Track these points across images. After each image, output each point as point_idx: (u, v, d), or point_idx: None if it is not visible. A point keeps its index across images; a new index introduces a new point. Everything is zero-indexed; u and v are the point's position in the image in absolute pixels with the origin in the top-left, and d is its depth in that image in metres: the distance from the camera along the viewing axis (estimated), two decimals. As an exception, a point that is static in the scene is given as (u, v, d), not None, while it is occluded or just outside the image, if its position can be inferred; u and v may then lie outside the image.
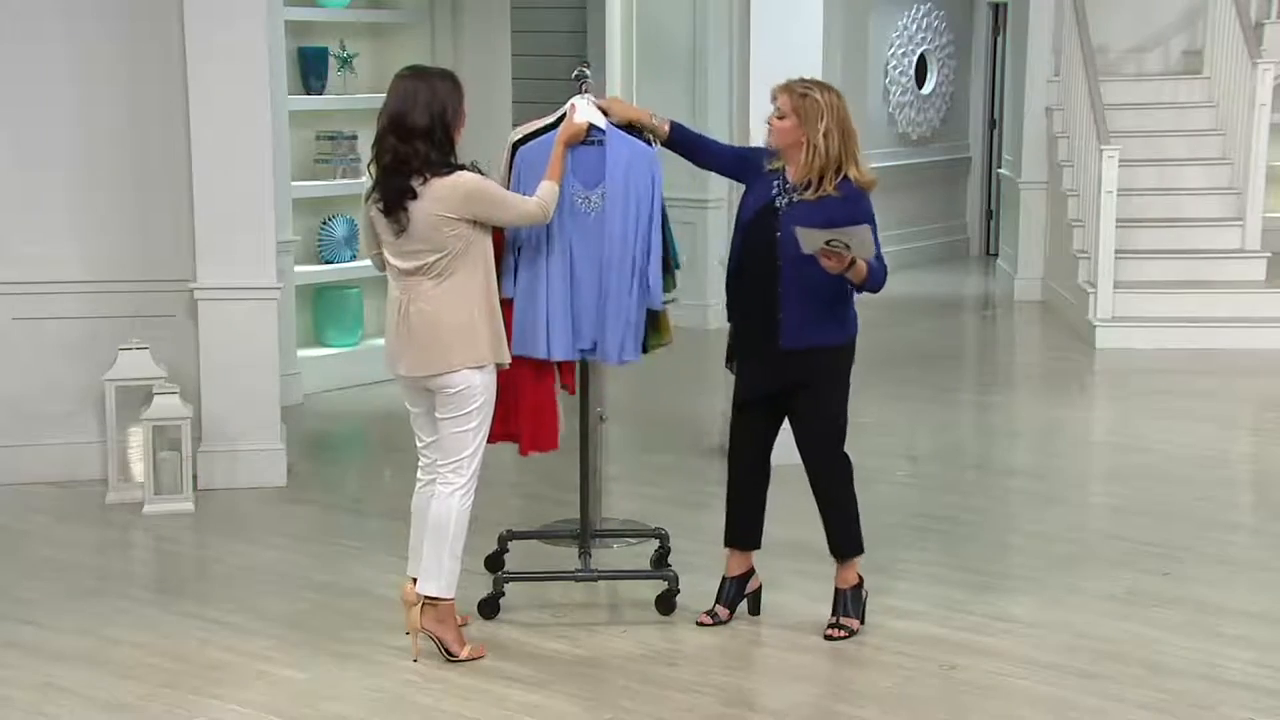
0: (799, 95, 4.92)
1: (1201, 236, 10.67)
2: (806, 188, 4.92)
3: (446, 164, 4.74)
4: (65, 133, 6.75)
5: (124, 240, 6.83)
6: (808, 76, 5.11)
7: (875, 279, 4.89)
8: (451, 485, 4.87)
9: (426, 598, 4.87)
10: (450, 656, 4.90)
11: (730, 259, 5.12)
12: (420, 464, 5.06)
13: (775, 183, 4.98)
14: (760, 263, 4.95)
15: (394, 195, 4.70)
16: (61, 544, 6.12)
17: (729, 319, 5.17)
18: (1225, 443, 7.94)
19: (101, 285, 6.82)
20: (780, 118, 4.93)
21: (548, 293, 5.10)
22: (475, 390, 4.81)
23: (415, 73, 4.86)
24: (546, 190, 4.91)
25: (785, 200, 4.94)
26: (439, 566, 4.86)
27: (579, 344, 5.18)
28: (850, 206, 4.88)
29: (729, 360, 5.22)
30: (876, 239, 4.83)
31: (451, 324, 4.77)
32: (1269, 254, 10.57)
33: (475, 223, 4.76)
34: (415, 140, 4.69)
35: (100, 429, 6.75)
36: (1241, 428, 8.37)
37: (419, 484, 5.07)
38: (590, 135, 5.05)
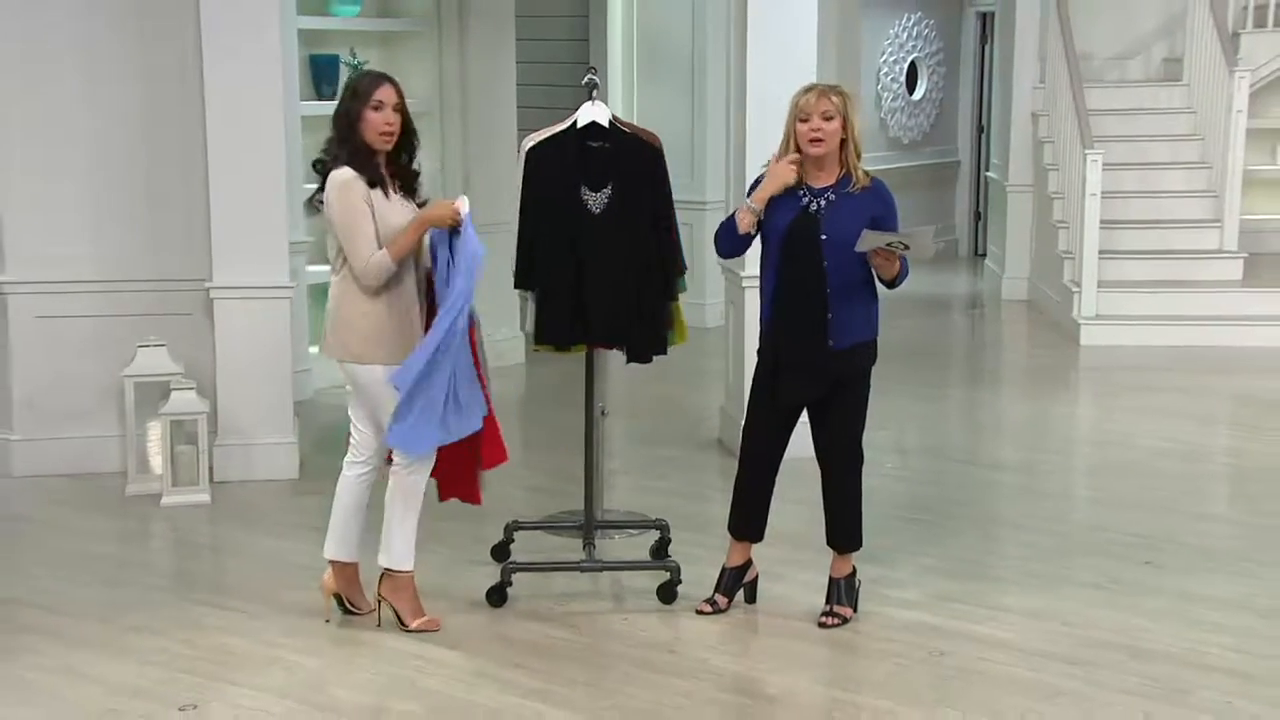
0: (839, 95, 4.91)
1: (1181, 238, 10.68)
2: (842, 185, 4.92)
3: (347, 158, 4.84)
4: (84, 138, 6.75)
5: (142, 241, 6.83)
6: (820, 82, 5.09)
7: (903, 276, 4.95)
8: (398, 465, 4.95)
9: (384, 569, 4.98)
10: (403, 626, 4.98)
11: (768, 276, 5.02)
12: (349, 444, 5.11)
13: (799, 194, 4.95)
14: (805, 268, 4.90)
15: (318, 189, 4.95)
16: (83, 534, 6.12)
17: (768, 332, 5.07)
18: (1205, 437, 7.94)
19: (120, 285, 6.82)
20: (829, 119, 4.88)
21: (459, 374, 4.92)
22: (367, 384, 4.91)
23: (351, 75, 5.08)
24: (380, 256, 4.78)
25: (819, 205, 4.92)
26: (388, 539, 4.98)
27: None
28: (888, 199, 4.96)
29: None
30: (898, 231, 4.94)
31: (337, 314, 4.92)
32: (1246, 254, 10.59)
33: None
34: (330, 143, 4.91)
35: (120, 423, 6.75)
36: (1220, 423, 8.37)
37: (345, 465, 5.12)
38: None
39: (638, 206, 5.19)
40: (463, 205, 4.87)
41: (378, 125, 4.84)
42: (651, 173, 5.25)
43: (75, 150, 6.75)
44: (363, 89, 4.86)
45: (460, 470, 5.13)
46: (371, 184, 4.84)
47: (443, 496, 5.21)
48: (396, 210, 4.87)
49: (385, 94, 4.85)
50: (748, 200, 5.02)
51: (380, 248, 4.80)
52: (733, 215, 5.10)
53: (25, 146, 6.71)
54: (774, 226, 4.97)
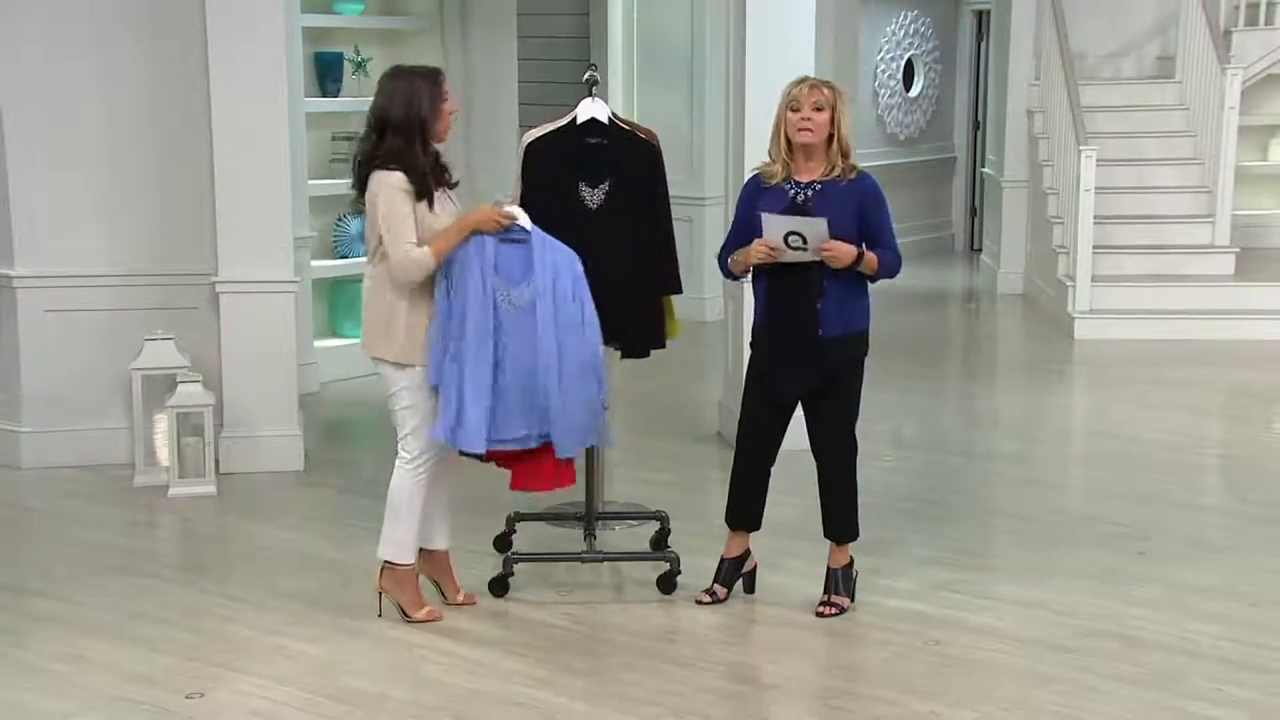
0: (830, 89, 4.91)
1: (1174, 233, 10.68)
2: (828, 175, 4.92)
3: (410, 159, 4.74)
4: (93, 134, 6.75)
5: (149, 236, 6.84)
6: (812, 76, 5.10)
7: (890, 269, 4.96)
8: (401, 459, 4.96)
9: (385, 561, 4.97)
10: (405, 617, 4.99)
11: (760, 268, 5.00)
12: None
13: (786, 187, 4.96)
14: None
15: (358, 185, 4.86)
16: (92, 524, 6.13)
17: (760, 324, 5.07)
18: (1197, 429, 7.95)
19: (128, 279, 6.83)
20: (819, 110, 4.88)
21: (467, 380, 4.77)
22: (392, 378, 4.87)
23: (398, 72, 4.90)
24: (420, 253, 4.71)
25: (806, 196, 4.92)
26: (391, 533, 4.97)
27: (497, 435, 4.82)
28: (874, 191, 4.96)
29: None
30: (891, 226, 4.96)
31: (372, 307, 4.89)
32: (1238, 249, 10.60)
33: None
34: (391, 135, 4.77)
35: (128, 415, 6.76)
36: (1212, 415, 8.37)
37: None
38: (513, 233, 4.79)
39: (635, 202, 5.20)
40: (520, 216, 4.79)
41: (446, 119, 4.81)
42: (649, 170, 5.26)
43: (84, 147, 6.75)
44: (438, 81, 4.79)
45: (535, 462, 4.98)
46: (419, 196, 4.74)
47: (514, 485, 5.06)
48: (441, 219, 4.78)
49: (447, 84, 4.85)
50: (733, 257, 5.04)
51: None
52: (727, 255, 5.10)
53: (35, 143, 6.72)
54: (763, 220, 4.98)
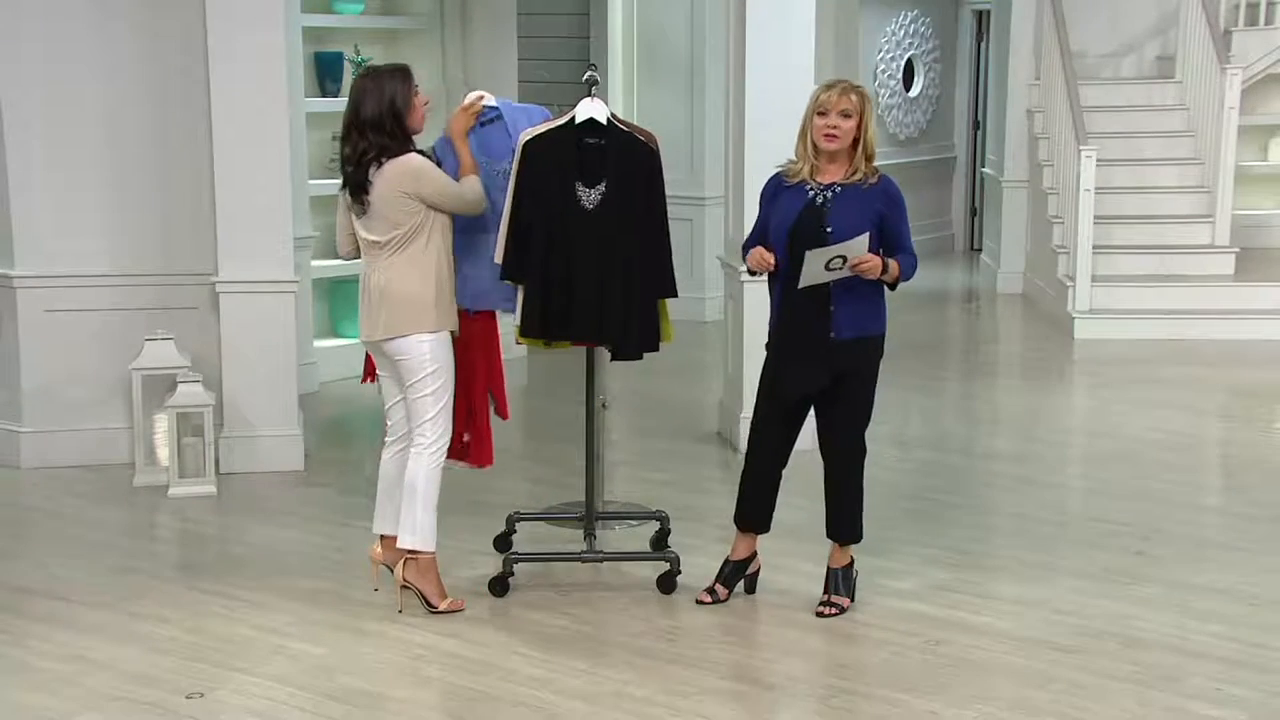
0: (859, 95, 4.89)
1: (1174, 233, 10.69)
2: (850, 177, 4.93)
3: (400, 148, 4.92)
4: (94, 134, 6.76)
5: (149, 236, 6.85)
6: (843, 79, 5.08)
7: (907, 274, 4.98)
8: (420, 445, 5.01)
9: (407, 552, 4.99)
10: (431, 608, 5.01)
11: (775, 266, 5.00)
12: (387, 425, 5.22)
13: (806, 188, 4.96)
14: None
15: (357, 182, 4.93)
16: (92, 524, 6.14)
17: (774, 323, 5.07)
18: (1196, 429, 7.95)
19: (128, 279, 6.84)
20: (847, 117, 4.88)
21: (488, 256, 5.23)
22: (425, 357, 4.96)
23: (367, 73, 5.07)
24: (470, 183, 5.03)
25: (825, 197, 4.92)
26: (414, 521, 5.00)
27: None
28: (894, 196, 4.97)
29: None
30: (908, 230, 5.00)
31: (402, 293, 4.95)
32: (1237, 249, 10.60)
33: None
34: (369, 132, 4.91)
35: (128, 415, 6.77)
36: (1211, 414, 8.37)
37: (385, 446, 5.24)
38: (486, 114, 5.21)
39: (631, 204, 5.18)
40: (484, 96, 5.21)
41: (419, 111, 4.98)
42: (647, 172, 5.24)
43: (84, 146, 6.76)
44: (407, 77, 4.96)
45: (482, 432, 5.39)
46: None
47: (479, 463, 5.45)
48: None
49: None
50: (748, 259, 5.07)
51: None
52: (748, 251, 5.12)
53: (36, 142, 6.72)
54: (781, 219, 4.97)
